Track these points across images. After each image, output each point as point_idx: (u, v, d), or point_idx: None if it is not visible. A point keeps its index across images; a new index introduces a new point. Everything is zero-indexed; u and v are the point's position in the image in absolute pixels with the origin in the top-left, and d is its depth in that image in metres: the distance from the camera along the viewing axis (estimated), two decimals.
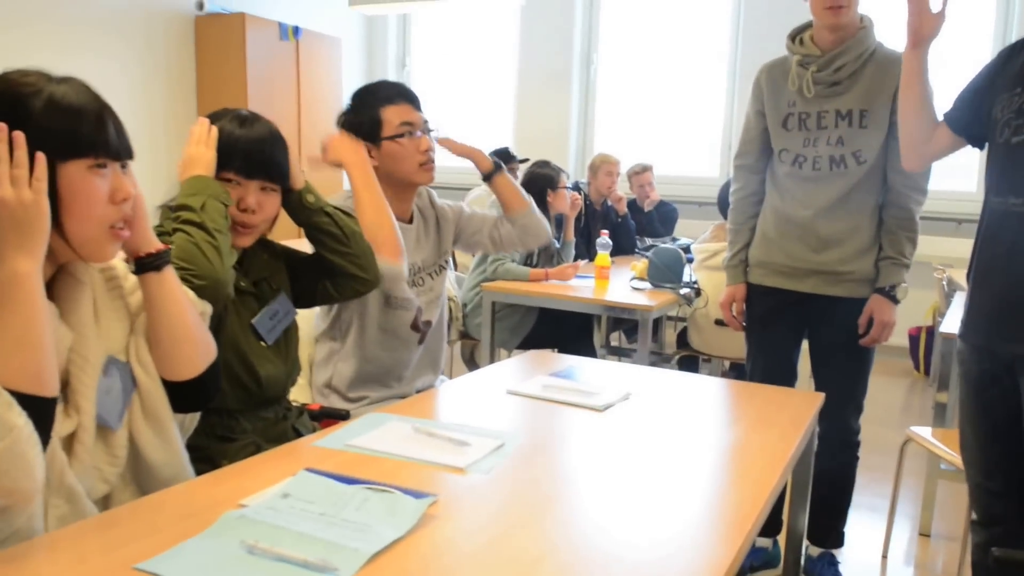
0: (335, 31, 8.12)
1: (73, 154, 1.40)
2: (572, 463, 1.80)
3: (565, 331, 4.91)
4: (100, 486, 1.53)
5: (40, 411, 1.32)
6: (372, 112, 2.67)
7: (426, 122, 2.72)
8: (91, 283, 1.55)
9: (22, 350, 1.31)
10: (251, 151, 2.05)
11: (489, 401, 2.24)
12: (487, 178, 3.01)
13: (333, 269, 2.30)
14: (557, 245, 5.16)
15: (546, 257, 4.96)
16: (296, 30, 7.38)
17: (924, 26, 2.34)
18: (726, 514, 1.55)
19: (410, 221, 2.81)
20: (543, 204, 5.04)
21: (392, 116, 2.66)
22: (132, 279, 1.66)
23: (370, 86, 2.77)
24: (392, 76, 9.24)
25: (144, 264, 1.61)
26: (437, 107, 9.02)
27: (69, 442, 1.47)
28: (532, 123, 8.54)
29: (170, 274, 1.65)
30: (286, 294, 2.25)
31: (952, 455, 3.04)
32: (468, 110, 8.86)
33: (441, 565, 1.30)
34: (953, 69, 6.81)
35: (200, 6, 7.14)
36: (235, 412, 2.11)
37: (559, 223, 5.28)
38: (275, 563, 1.24)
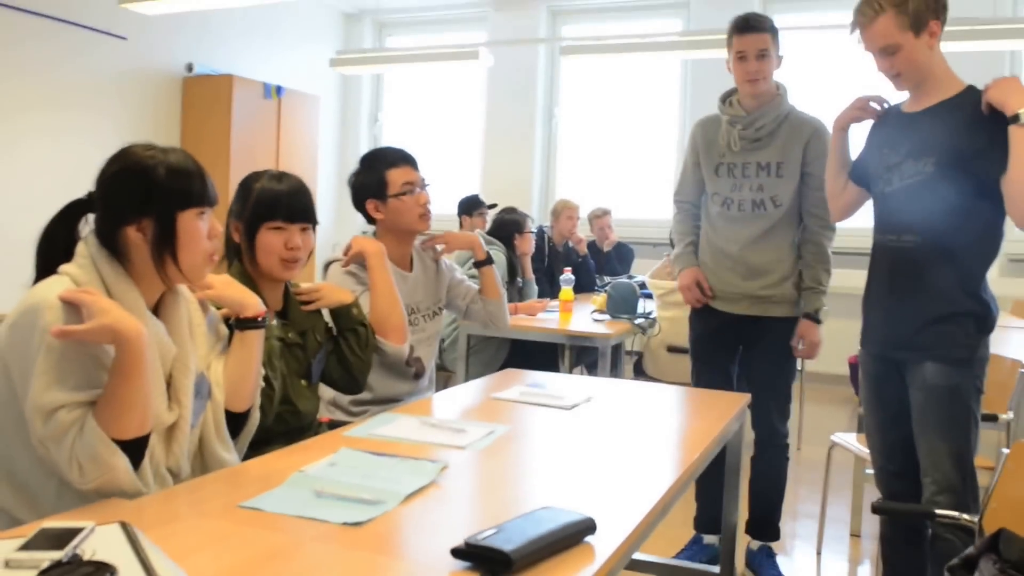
0: (315, 89, 8.65)
1: (187, 205, 1.90)
2: (547, 445, 2.32)
3: (533, 365, 5.37)
4: (186, 467, 2.01)
5: (139, 445, 1.78)
6: (379, 174, 3.14)
7: (423, 179, 3.20)
8: (186, 307, 2.05)
9: (134, 410, 1.76)
10: (291, 202, 2.53)
11: (478, 405, 2.76)
12: (479, 264, 3.47)
13: (341, 361, 2.76)
14: (521, 283, 5.67)
15: (513, 292, 5.47)
16: (279, 89, 7.90)
17: (853, 118, 2.92)
18: (667, 461, 2.08)
19: (410, 268, 3.28)
20: (512, 246, 5.56)
21: (396, 177, 3.13)
22: (211, 312, 2.17)
23: (376, 152, 3.27)
24: (365, 130, 9.77)
25: (245, 323, 2.15)
26: None
27: (171, 431, 1.94)
28: (498, 172, 9.09)
29: (260, 335, 2.18)
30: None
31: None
32: (438, 160, 9.28)
33: (452, 503, 1.81)
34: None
35: (190, 68, 7.64)
36: (272, 436, 2.52)
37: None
38: (339, 501, 1.73)
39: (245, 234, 2.52)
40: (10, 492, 1.80)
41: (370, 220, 3.22)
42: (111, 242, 1.87)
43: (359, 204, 3.21)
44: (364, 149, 9.70)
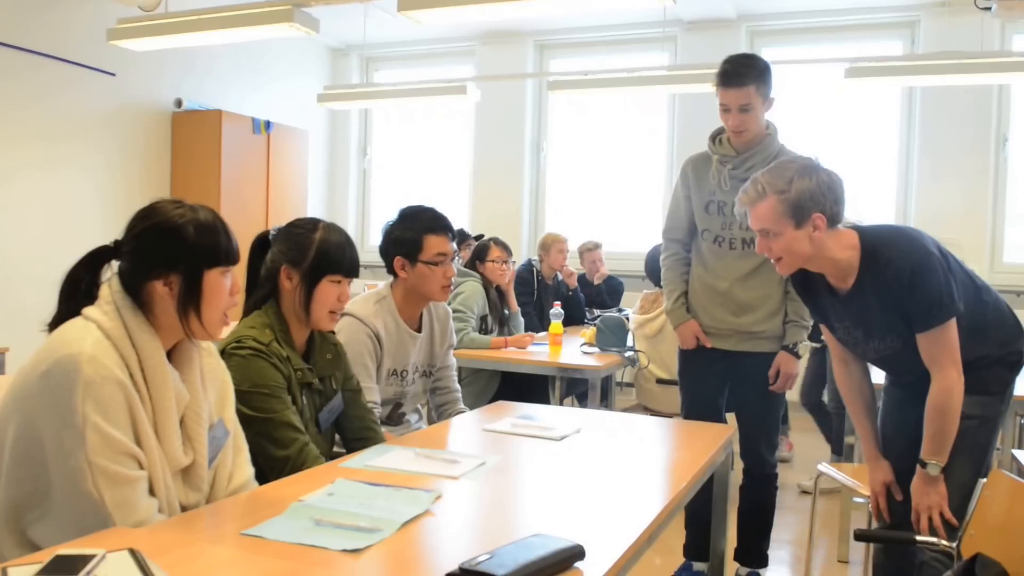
0: (303, 124, 8.73)
1: (215, 263, 1.96)
2: (537, 474, 2.38)
3: (524, 397, 5.41)
4: (201, 503, 2.06)
5: None
6: (416, 235, 3.17)
7: (455, 251, 3.23)
8: (199, 358, 2.09)
9: None
10: (352, 257, 2.61)
11: (470, 436, 2.82)
12: None
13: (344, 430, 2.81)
14: (507, 313, 5.67)
15: (499, 325, 5.51)
16: (268, 124, 7.99)
17: None
18: (654, 490, 2.14)
19: (419, 329, 3.31)
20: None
21: (432, 244, 3.16)
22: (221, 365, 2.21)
23: (418, 211, 3.27)
24: (354, 164, 9.85)
25: None
26: (396, 190, 9.60)
27: (188, 471, 1.99)
28: (487, 205, 9.16)
29: None
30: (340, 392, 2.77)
31: (859, 486, 3.50)
32: (426, 193, 9.30)
33: (446, 531, 1.87)
34: (865, 163, 7.53)
35: (179, 103, 7.72)
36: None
37: (501, 294, 5.61)
38: (337, 529, 1.79)
39: (304, 282, 2.55)
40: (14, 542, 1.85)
41: (390, 270, 3.24)
42: (136, 293, 1.92)
43: (387, 255, 3.23)
44: (353, 183, 9.80)
